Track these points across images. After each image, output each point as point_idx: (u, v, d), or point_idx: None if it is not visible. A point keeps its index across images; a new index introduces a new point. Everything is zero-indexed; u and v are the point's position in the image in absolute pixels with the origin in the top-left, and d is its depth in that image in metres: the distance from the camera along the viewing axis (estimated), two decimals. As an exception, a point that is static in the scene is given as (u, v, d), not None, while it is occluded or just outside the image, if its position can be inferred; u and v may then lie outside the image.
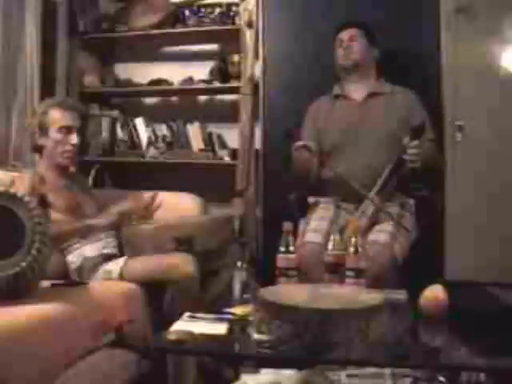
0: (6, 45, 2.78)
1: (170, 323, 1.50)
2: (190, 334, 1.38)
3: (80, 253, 2.16)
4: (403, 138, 2.21)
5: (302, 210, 2.48)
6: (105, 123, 3.36)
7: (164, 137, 3.26)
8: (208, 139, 3.22)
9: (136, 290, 2.01)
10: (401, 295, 1.74)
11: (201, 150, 3.20)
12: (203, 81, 3.23)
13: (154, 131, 3.28)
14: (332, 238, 1.86)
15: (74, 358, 1.55)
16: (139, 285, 2.03)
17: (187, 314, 1.60)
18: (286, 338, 1.35)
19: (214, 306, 1.71)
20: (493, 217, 2.61)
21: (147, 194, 2.33)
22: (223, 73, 3.17)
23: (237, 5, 3.08)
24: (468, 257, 2.60)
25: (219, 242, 2.39)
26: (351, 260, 1.77)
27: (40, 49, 2.95)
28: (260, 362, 1.62)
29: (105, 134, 3.35)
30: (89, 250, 2.17)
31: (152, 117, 3.35)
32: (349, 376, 1.56)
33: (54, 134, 2.22)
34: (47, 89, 3.04)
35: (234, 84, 3.11)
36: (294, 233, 1.91)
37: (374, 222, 2.24)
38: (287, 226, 1.80)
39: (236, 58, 3.10)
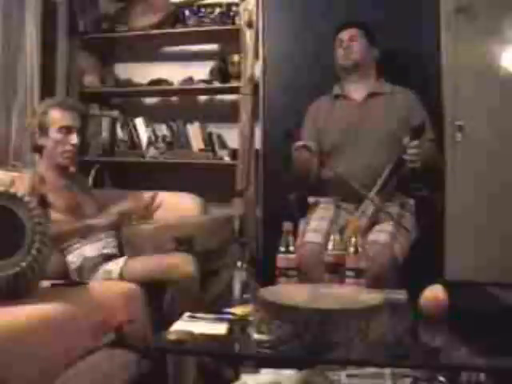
0: (5, 45, 2.78)
1: (170, 323, 1.50)
2: (190, 334, 1.38)
3: (80, 253, 2.16)
4: (403, 138, 2.21)
5: (302, 210, 2.48)
6: (105, 123, 3.36)
7: (164, 137, 3.26)
8: (208, 139, 3.22)
9: (136, 290, 2.01)
10: (401, 295, 1.74)
11: (201, 150, 3.20)
12: (203, 81, 3.23)
13: (154, 131, 3.28)
14: (332, 237, 1.86)
15: (74, 358, 1.55)
16: (139, 285, 2.03)
17: (187, 313, 1.60)
18: (286, 338, 1.35)
19: (214, 306, 1.71)
20: (493, 217, 2.61)
21: (147, 194, 2.33)
22: (223, 73, 3.18)
23: (237, 5, 3.08)
24: (468, 257, 2.60)
25: (219, 242, 2.39)
26: (351, 260, 1.77)
27: (40, 49, 2.95)
28: (260, 362, 1.62)
29: (105, 134, 3.35)
30: (89, 250, 2.17)
31: (152, 117, 3.35)
32: (349, 376, 1.56)
33: (53, 133, 2.22)
34: (47, 89, 3.04)
35: (233, 84, 3.11)
36: (294, 233, 1.91)
37: (374, 222, 2.24)
38: (287, 226, 1.80)
39: (236, 57, 3.10)
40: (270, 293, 1.50)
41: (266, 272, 1.86)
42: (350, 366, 1.56)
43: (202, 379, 1.62)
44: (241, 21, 3.02)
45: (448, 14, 2.65)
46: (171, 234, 2.23)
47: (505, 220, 2.59)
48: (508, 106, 2.61)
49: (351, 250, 1.77)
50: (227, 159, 3.12)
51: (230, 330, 1.47)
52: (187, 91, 3.37)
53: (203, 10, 3.17)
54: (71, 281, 2.10)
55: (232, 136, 3.17)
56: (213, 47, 3.38)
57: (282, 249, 1.77)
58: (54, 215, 2.14)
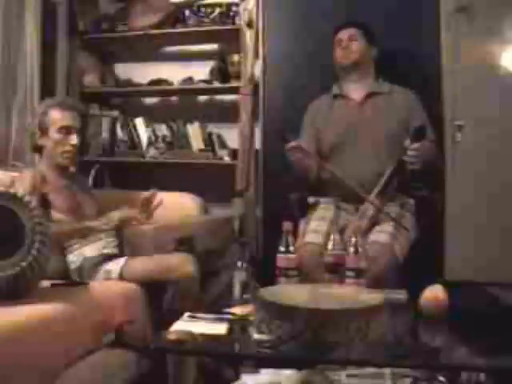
0: (6, 45, 2.78)
1: (170, 323, 1.51)
2: (190, 334, 1.38)
3: (80, 253, 2.16)
4: (404, 141, 2.21)
5: (302, 210, 2.48)
6: (105, 123, 3.36)
7: (164, 137, 3.26)
8: (208, 139, 3.21)
9: (136, 290, 2.01)
10: (401, 295, 1.74)
11: (201, 150, 3.20)
12: (203, 81, 3.23)
13: (154, 131, 3.28)
14: (332, 237, 1.86)
15: (74, 358, 1.55)
16: (139, 285, 2.03)
17: (187, 313, 1.60)
18: (286, 338, 1.35)
19: (214, 306, 1.71)
20: (493, 217, 2.61)
21: (144, 194, 2.31)
22: (223, 73, 3.17)
23: (237, 5, 3.08)
24: (468, 257, 2.60)
25: (219, 242, 2.40)
26: (351, 260, 1.77)
27: (40, 49, 2.95)
28: (260, 362, 1.62)
29: (105, 134, 3.35)
30: (89, 249, 2.17)
31: (152, 117, 3.35)
32: (349, 376, 1.56)
33: (53, 134, 2.22)
34: (47, 89, 3.04)
35: (233, 84, 3.11)
36: (294, 233, 1.91)
37: (374, 223, 2.24)
38: (287, 225, 1.80)
39: (236, 57, 3.10)
40: (269, 293, 1.50)
41: (266, 272, 1.86)
42: (349, 366, 1.56)
43: (202, 379, 1.62)
44: (241, 21, 3.02)
45: (448, 14, 2.64)
46: (171, 234, 2.23)
47: (505, 220, 2.59)
48: (508, 106, 2.61)
49: (351, 250, 1.77)
50: (227, 159, 3.11)
51: (230, 330, 1.47)
52: (187, 91, 3.37)
53: (203, 9, 3.17)
54: (71, 281, 2.10)
55: (232, 136, 3.17)
56: (213, 47, 3.38)
57: (282, 249, 1.77)
58: (55, 215, 2.14)
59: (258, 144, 3.03)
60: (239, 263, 1.80)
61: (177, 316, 1.58)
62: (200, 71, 3.25)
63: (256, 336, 1.40)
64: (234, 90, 3.10)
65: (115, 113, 3.38)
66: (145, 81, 3.36)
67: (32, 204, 1.68)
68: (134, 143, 3.30)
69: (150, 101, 3.57)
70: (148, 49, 3.45)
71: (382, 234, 2.17)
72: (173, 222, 2.37)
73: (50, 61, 3.13)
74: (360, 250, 1.77)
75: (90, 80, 3.35)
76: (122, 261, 2.14)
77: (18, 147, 2.81)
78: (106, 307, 1.79)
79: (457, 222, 2.62)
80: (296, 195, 2.56)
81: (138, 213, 2.17)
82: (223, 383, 1.66)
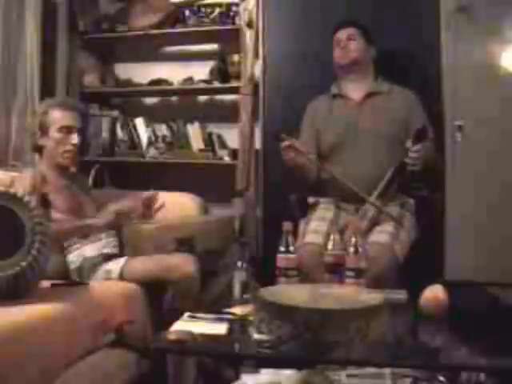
0: (5, 45, 2.78)
1: (170, 323, 1.51)
2: (190, 334, 1.38)
3: (80, 253, 2.16)
4: (406, 142, 2.21)
5: (302, 210, 2.48)
6: (105, 123, 3.36)
7: (164, 137, 3.26)
8: (208, 139, 3.21)
9: (136, 290, 2.01)
10: (401, 295, 1.74)
11: (201, 150, 3.20)
12: (203, 81, 3.23)
13: (154, 131, 3.28)
14: (332, 237, 1.86)
15: (74, 358, 1.55)
16: (139, 285, 2.03)
17: (187, 313, 1.60)
18: (286, 338, 1.35)
19: (214, 306, 1.71)
20: (493, 217, 2.61)
21: (146, 194, 2.31)
22: (223, 73, 3.17)
23: (237, 5, 3.08)
24: (468, 257, 2.60)
25: (219, 242, 2.39)
26: (351, 260, 1.77)
27: (40, 49, 2.95)
28: (260, 362, 1.62)
29: (105, 134, 3.35)
30: (89, 249, 2.17)
31: (152, 117, 3.35)
32: (349, 376, 1.56)
33: (54, 133, 2.22)
34: (47, 89, 3.04)
35: (234, 84, 3.11)
36: (294, 233, 1.91)
37: (374, 223, 2.24)
38: (287, 226, 1.80)
39: (236, 57, 3.10)
40: (269, 293, 1.50)
41: (266, 272, 1.86)
42: (350, 366, 1.56)
43: (201, 379, 1.62)
44: (241, 21, 3.02)
45: (448, 14, 2.64)
46: (172, 234, 2.23)
47: (505, 220, 2.59)
48: (508, 106, 2.60)
49: (351, 250, 1.77)
50: (227, 159, 3.12)
51: (230, 330, 1.47)
52: (187, 91, 3.37)
53: (203, 9, 3.17)
54: (71, 281, 2.10)
55: (232, 136, 3.17)
56: (213, 47, 3.38)
57: (282, 249, 1.77)
58: (55, 215, 2.14)
59: (258, 144, 3.03)
60: (239, 263, 1.80)
61: (177, 316, 1.58)
62: (200, 71, 3.25)
63: (256, 336, 1.40)
64: (234, 90, 3.10)
65: (115, 113, 3.38)
66: (145, 81, 3.36)
67: (32, 204, 1.68)
68: (133, 143, 3.30)
69: (149, 101, 3.57)
70: (148, 49, 3.44)
71: (382, 235, 2.17)
72: (173, 221, 2.37)
73: (50, 61, 3.13)
74: (360, 250, 1.77)
75: (90, 80, 3.35)
76: (122, 261, 2.14)
77: (18, 147, 2.81)
78: (106, 307, 1.79)
79: (457, 222, 2.62)
80: (296, 195, 2.56)
81: (136, 207, 2.16)
82: (223, 383, 1.66)
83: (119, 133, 3.34)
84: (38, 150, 2.29)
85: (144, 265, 2.10)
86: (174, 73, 3.31)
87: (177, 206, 2.57)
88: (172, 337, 1.37)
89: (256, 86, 2.99)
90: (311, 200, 2.49)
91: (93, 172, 3.11)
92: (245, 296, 1.75)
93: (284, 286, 1.70)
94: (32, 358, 1.44)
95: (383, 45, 2.52)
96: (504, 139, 2.62)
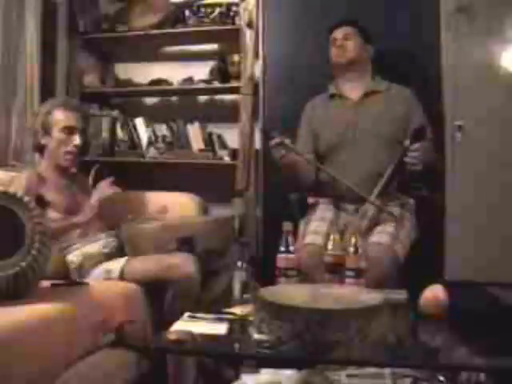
0: (5, 45, 2.78)
1: (170, 323, 1.51)
2: (190, 334, 1.38)
3: (80, 253, 2.16)
4: (404, 141, 2.21)
5: (302, 210, 2.48)
6: (105, 123, 3.36)
7: (164, 137, 3.26)
8: (208, 139, 3.21)
9: (136, 290, 2.01)
10: (401, 295, 1.74)
11: (201, 150, 3.20)
12: (203, 81, 3.23)
13: (154, 131, 3.28)
14: (332, 238, 1.86)
15: (74, 358, 1.55)
16: (140, 285, 2.03)
17: (187, 313, 1.60)
18: (286, 338, 1.35)
19: (214, 306, 1.71)
20: (493, 217, 2.61)
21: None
22: (223, 73, 3.17)
23: (237, 5, 3.08)
24: (468, 257, 2.60)
25: (220, 242, 2.39)
26: (351, 260, 1.77)
27: (40, 49, 2.95)
28: (260, 362, 1.62)
29: (105, 134, 3.35)
30: (89, 249, 2.17)
31: (152, 117, 3.35)
32: (349, 376, 1.56)
33: (56, 133, 2.23)
34: (47, 89, 3.04)
35: (234, 84, 3.11)
36: (294, 233, 1.91)
37: (375, 223, 2.23)
38: (287, 226, 1.81)
39: (236, 57, 3.10)
40: (270, 293, 1.50)
41: (266, 272, 1.86)
42: (350, 365, 1.56)
43: (201, 379, 1.62)
44: (241, 21, 3.02)
45: (448, 14, 2.64)
46: (172, 234, 2.23)
47: (505, 220, 2.59)
48: (508, 106, 2.60)
49: (351, 250, 1.77)
50: (227, 159, 3.11)
51: (230, 330, 1.47)
52: (187, 91, 3.37)
53: (203, 10, 3.17)
54: (71, 281, 2.10)
55: (232, 136, 3.17)
56: (213, 47, 3.38)
57: (282, 249, 1.77)
58: (54, 215, 2.14)
59: (258, 144, 3.03)
60: (239, 263, 1.80)
61: (177, 316, 1.58)
62: (200, 71, 3.25)
63: (256, 336, 1.40)
64: (234, 90, 3.10)
65: (115, 113, 3.38)
66: (145, 81, 3.37)
67: (32, 204, 1.68)
68: (134, 143, 3.30)
69: (150, 101, 3.57)
70: (148, 49, 3.45)
71: (382, 235, 2.17)
72: (173, 221, 2.37)
73: (50, 61, 3.13)
74: (360, 250, 1.77)
75: (90, 80, 3.35)
76: (122, 260, 2.14)
77: (18, 147, 2.81)
78: (106, 307, 1.79)
79: (457, 222, 2.62)
80: (296, 195, 2.56)
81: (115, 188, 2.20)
82: (223, 383, 1.66)
83: (119, 133, 3.34)
84: (39, 149, 2.29)
85: (144, 265, 2.10)
86: (174, 73, 3.31)
87: (177, 205, 2.58)
88: (172, 337, 1.37)
89: (256, 86, 2.99)
90: (311, 200, 2.49)
91: (93, 172, 3.11)
92: (245, 296, 1.75)
93: (284, 286, 1.70)
94: (32, 358, 1.44)
95: (383, 45, 2.52)
96: (504, 139, 2.62)
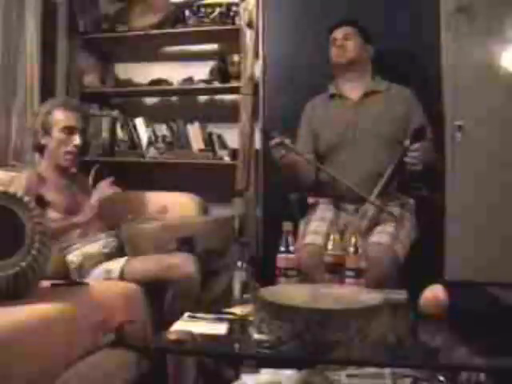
0: (5, 45, 2.78)
1: (170, 323, 1.51)
2: (190, 334, 1.38)
3: (80, 253, 2.16)
4: (404, 141, 2.21)
5: (302, 210, 2.48)
6: (105, 123, 3.36)
7: (164, 137, 3.26)
8: (208, 139, 3.21)
9: (136, 290, 2.01)
10: (401, 295, 1.74)
11: (201, 150, 3.20)
12: (203, 81, 3.23)
13: (154, 131, 3.28)
14: (332, 238, 1.86)
15: (74, 358, 1.55)
16: (140, 285, 2.03)
17: (187, 313, 1.60)
18: (286, 338, 1.35)
19: (214, 306, 1.71)
20: (493, 217, 2.61)
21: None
22: (223, 73, 3.17)
23: (237, 5, 3.08)
24: (468, 257, 2.60)
25: (220, 242, 2.39)
26: (351, 260, 1.77)
27: (40, 49, 2.95)
28: (260, 362, 1.62)
29: (105, 134, 3.35)
30: (89, 249, 2.17)
31: (152, 117, 3.35)
32: (349, 376, 1.56)
33: (56, 133, 2.23)
34: (47, 89, 3.04)
35: (234, 84, 3.11)
36: (294, 233, 1.91)
37: (375, 223, 2.23)
38: (287, 226, 1.81)
39: (236, 57, 3.10)
40: (270, 293, 1.50)
41: (266, 272, 1.86)
42: (350, 366, 1.56)
43: (201, 379, 1.62)
44: (241, 21, 3.02)
45: (448, 14, 2.64)
46: (172, 234, 2.23)
47: (505, 220, 2.59)
48: (508, 106, 2.61)
49: (351, 250, 1.77)
50: (227, 159, 3.11)
51: (230, 330, 1.47)
52: (187, 91, 3.37)
53: (203, 9, 3.17)
54: (71, 281, 2.10)
55: (232, 136, 3.17)
56: (213, 47, 3.38)
57: (282, 249, 1.77)
58: (54, 215, 2.14)
59: (257, 144, 3.03)
60: (239, 263, 1.80)
61: (177, 316, 1.58)
62: (200, 71, 3.25)
63: (256, 336, 1.40)
64: (234, 90, 3.10)
65: (115, 113, 3.38)
66: (145, 81, 3.37)
67: (32, 204, 1.68)
68: (134, 143, 3.30)
69: (150, 101, 3.57)
70: (148, 49, 3.45)
71: (383, 235, 2.17)
72: (173, 221, 2.37)
73: (50, 61, 3.13)
74: (360, 250, 1.77)
75: (90, 80, 3.35)
76: (122, 260, 2.14)
77: (18, 147, 2.81)
78: (106, 307, 1.79)
79: (457, 222, 2.62)
80: (296, 195, 2.56)
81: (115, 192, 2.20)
82: (223, 383, 1.66)
83: (119, 133, 3.34)
84: (40, 149, 2.29)
85: (144, 265, 2.10)
86: (174, 73, 3.31)
87: (177, 205, 2.58)
88: (172, 337, 1.37)
89: (256, 86, 2.99)
90: (311, 200, 2.49)
91: (93, 172, 3.11)
92: (245, 296, 1.75)
93: (284, 286, 1.70)
94: (32, 358, 1.44)
95: (383, 45, 2.52)
96: (504, 139, 2.62)
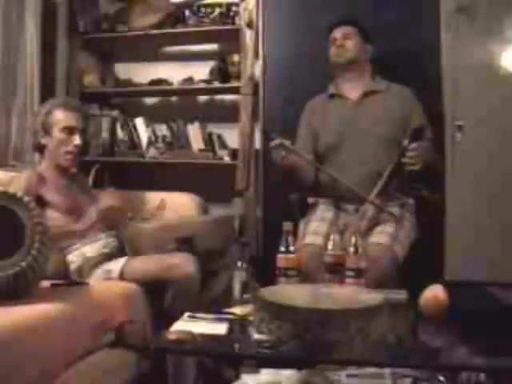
0: (5, 45, 2.78)
1: (170, 323, 1.51)
2: (190, 334, 1.38)
3: (80, 253, 2.16)
4: (403, 141, 2.21)
5: (302, 210, 2.48)
6: (105, 123, 3.36)
7: (164, 137, 3.26)
8: (208, 139, 3.21)
9: (136, 289, 2.01)
10: (401, 295, 1.74)
11: (201, 150, 3.20)
12: (203, 81, 3.23)
13: (154, 131, 3.28)
14: (332, 238, 1.86)
15: (74, 358, 1.55)
16: (140, 285, 2.03)
17: (187, 313, 1.60)
18: (286, 338, 1.35)
19: (214, 306, 1.71)
20: (493, 217, 2.61)
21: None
22: (223, 73, 3.17)
23: (237, 5, 3.08)
24: (468, 257, 2.60)
25: (220, 242, 2.39)
26: (351, 260, 1.77)
27: (40, 49, 2.95)
28: (260, 362, 1.62)
29: (105, 134, 3.35)
30: (89, 249, 2.17)
31: (152, 117, 3.35)
32: (349, 376, 1.56)
33: (56, 133, 2.23)
34: (47, 89, 3.04)
35: (234, 84, 3.11)
36: (294, 233, 1.91)
37: (375, 223, 2.23)
38: (287, 226, 1.81)
39: (236, 57, 3.10)
40: (270, 293, 1.50)
41: (266, 272, 1.86)
42: (349, 366, 1.56)
43: (201, 379, 1.62)
44: (241, 21, 3.02)
45: (448, 14, 2.64)
46: (172, 234, 2.23)
47: (505, 220, 2.59)
48: (508, 106, 2.60)
49: (351, 250, 1.77)
50: (227, 159, 3.11)
51: (230, 330, 1.48)
52: (187, 91, 3.37)
53: (203, 9, 3.17)
54: (71, 281, 2.10)
55: (232, 136, 3.17)
56: (213, 47, 3.38)
57: (282, 249, 1.77)
58: (54, 215, 2.14)
59: (257, 144, 3.03)
60: (239, 263, 1.80)
61: (177, 316, 1.58)
62: (200, 71, 3.25)
63: (256, 336, 1.40)
64: (234, 90, 3.10)
65: (115, 113, 3.39)
66: (145, 81, 3.37)
67: (32, 204, 1.68)
68: (133, 143, 3.30)
69: (150, 101, 3.57)
70: (148, 49, 3.45)
71: (382, 235, 2.17)
72: (173, 221, 2.37)
73: (50, 61, 3.13)
74: (360, 250, 1.77)
75: (90, 80, 3.35)
76: (122, 260, 2.14)
77: (18, 147, 2.81)
78: (106, 307, 1.79)
79: (457, 222, 2.62)
80: (296, 195, 2.56)
81: (120, 204, 2.20)
82: (223, 383, 1.66)
83: (119, 133, 3.34)
84: (40, 149, 2.30)
85: (144, 265, 2.10)
86: (174, 73, 3.31)
87: (177, 205, 2.58)
88: (172, 337, 1.37)
89: (256, 86, 2.99)
90: (311, 200, 2.49)
91: (93, 172, 3.11)
92: (245, 296, 1.75)
93: (284, 286, 1.70)
94: (32, 358, 1.44)
95: (383, 45, 2.52)
96: (504, 139, 2.62)
